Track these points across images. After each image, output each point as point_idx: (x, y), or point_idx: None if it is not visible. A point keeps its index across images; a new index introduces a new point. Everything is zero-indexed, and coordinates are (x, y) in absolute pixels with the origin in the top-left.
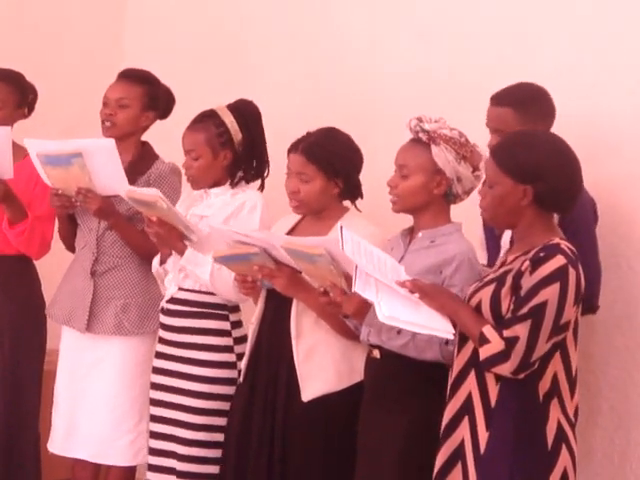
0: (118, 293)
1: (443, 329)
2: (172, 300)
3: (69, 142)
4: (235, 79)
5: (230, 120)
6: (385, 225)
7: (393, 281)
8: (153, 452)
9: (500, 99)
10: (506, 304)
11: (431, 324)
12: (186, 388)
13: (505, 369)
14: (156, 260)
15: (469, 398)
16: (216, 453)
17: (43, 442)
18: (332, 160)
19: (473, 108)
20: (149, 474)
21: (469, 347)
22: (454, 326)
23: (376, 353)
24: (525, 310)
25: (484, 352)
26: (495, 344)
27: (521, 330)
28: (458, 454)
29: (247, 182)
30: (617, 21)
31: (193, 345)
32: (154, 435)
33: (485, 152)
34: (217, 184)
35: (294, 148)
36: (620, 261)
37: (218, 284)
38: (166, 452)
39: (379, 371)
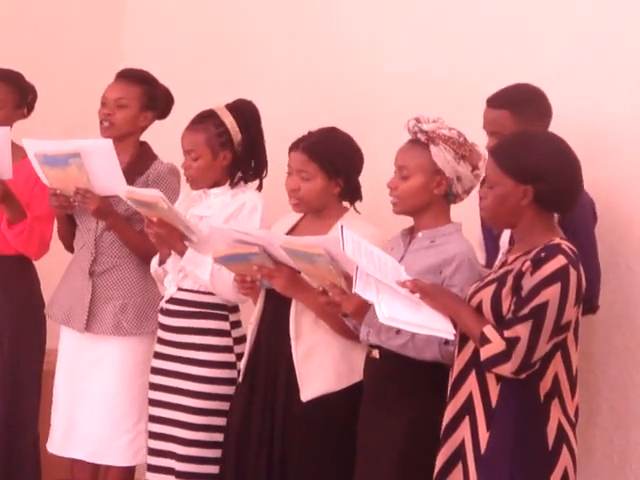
0: (117, 293)
1: (444, 329)
2: (171, 300)
3: (67, 142)
4: (235, 79)
5: (230, 120)
6: (385, 226)
7: (394, 281)
8: (152, 452)
9: (496, 101)
10: (507, 304)
11: (432, 324)
12: (185, 388)
13: (506, 369)
14: (155, 260)
15: (470, 398)
16: (215, 453)
17: (42, 442)
18: (333, 159)
19: (473, 108)
20: (148, 474)
21: (470, 347)
22: (455, 326)
23: (375, 353)
24: (526, 310)
25: (485, 352)
26: (496, 344)
27: (522, 330)
28: (459, 454)
29: (246, 182)
30: (617, 21)
31: (193, 345)
32: (153, 435)
33: (484, 152)
34: (216, 184)
35: (295, 146)
36: (619, 261)
37: (218, 285)
38: (165, 452)
39: (378, 371)
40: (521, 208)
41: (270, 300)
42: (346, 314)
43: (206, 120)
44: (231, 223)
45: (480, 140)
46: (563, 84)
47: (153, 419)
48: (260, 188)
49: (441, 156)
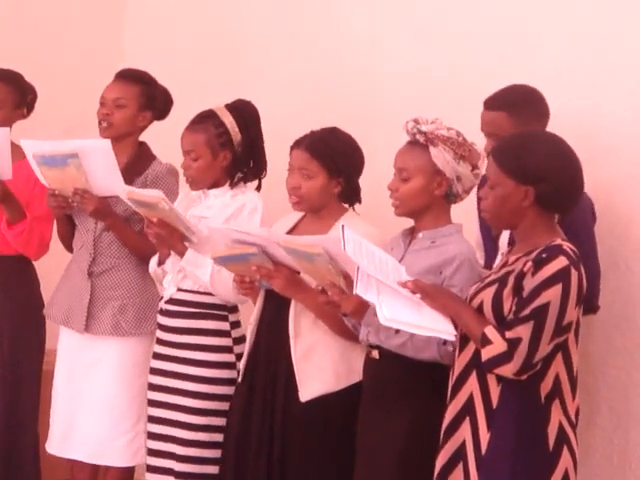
0: (115, 294)
1: (445, 330)
2: (171, 301)
3: (65, 143)
4: (235, 79)
5: (230, 121)
6: (384, 226)
7: (394, 282)
8: (151, 453)
9: (494, 103)
10: (508, 305)
11: (433, 325)
12: (185, 389)
13: (508, 370)
14: (153, 261)
15: (470, 399)
16: (215, 453)
17: (42, 442)
18: (335, 158)
19: (473, 108)
20: (147, 475)
21: (470, 348)
22: (455, 327)
23: (375, 354)
24: (527, 311)
25: (486, 353)
26: (497, 345)
27: (523, 331)
28: (459, 455)
29: (245, 183)
30: (617, 21)
31: (192, 346)
32: (152, 436)
33: (482, 152)
34: (216, 185)
35: (298, 144)
36: (618, 261)
37: (218, 285)
38: (164, 453)
39: (378, 371)
40: (522, 209)
41: (270, 300)
42: (345, 313)
43: (206, 120)
44: (231, 224)
45: (480, 140)
46: (563, 84)
47: (152, 419)
48: (259, 188)
49: (441, 157)
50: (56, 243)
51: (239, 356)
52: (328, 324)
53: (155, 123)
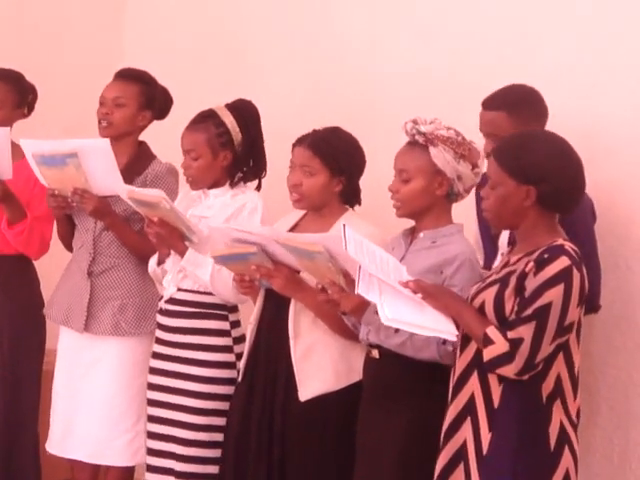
0: (115, 293)
1: (446, 330)
2: (171, 301)
3: (64, 142)
4: (235, 79)
5: (230, 120)
6: (384, 226)
7: (396, 282)
8: (151, 453)
9: (492, 103)
10: (510, 305)
11: (434, 325)
12: (185, 388)
13: (509, 370)
14: (153, 260)
15: (472, 399)
16: (215, 453)
17: (42, 442)
18: (337, 156)
19: (473, 108)
20: (148, 475)
21: (472, 348)
22: (457, 327)
23: (375, 353)
24: (529, 311)
25: (488, 353)
26: (499, 345)
27: (525, 331)
28: (460, 455)
29: (245, 182)
30: (617, 21)
31: (192, 345)
32: (152, 436)
33: (482, 151)
34: (216, 184)
35: (300, 142)
36: (618, 261)
37: (218, 285)
38: (165, 453)
39: (378, 371)
40: (524, 209)
41: (270, 299)
42: (345, 312)
43: (206, 120)
44: (231, 223)
45: (480, 140)
46: (563, 84)
47: (152, 419)
48: (259, 188)
49: (441, 157)
50: (56, 243)
51: (239, 356)
52: (328, 323)
53: (155, 123)
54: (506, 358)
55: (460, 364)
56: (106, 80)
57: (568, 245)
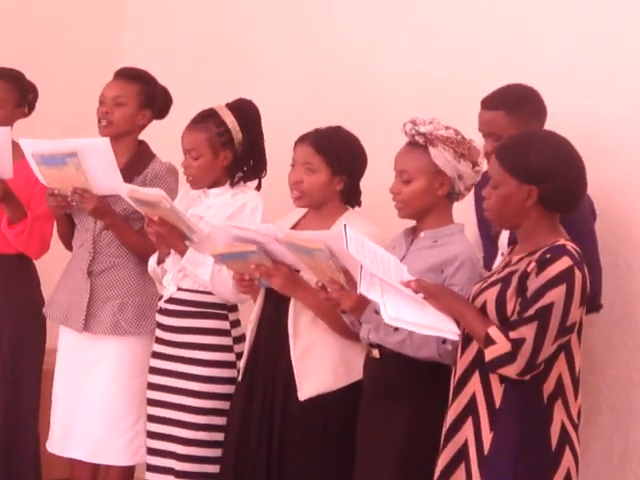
0: (115, 293)
1: (448, 330)
2: (171, 300)
3: (64, 142)
4: (235, 79)
5: (231, 120)
6: (385, 225)
7: (397, 281)
8: (151, 452)
9: (492, 102)
10: (511, 305)
11: (436, 325)
12: (186, 388)
13: (511, 370)
14: (152, 259)
15: (473, 399)
16: (215, 452)
17: (42, 442)
18: (339, 155)
19: (473, 108)
20: (148, 474)
21: (473, 348)
22: (459, 327)
23: (375, 353)
24: (531, 312)
25: (490, 353)
26: (501, 345)
27: (527, 332)
28: (461, 455)
29: (245, 182)
30: (617, 21)
31: (192, 345)
32: (152, 435)
33: (481, 149)
34: (216, 184)
35: (302, 139)
36: (619, 261)
37: (218, 285)
38: (165, 452)
39: (378, 371)
40: (525, 209)
41: (270, 298)
42: (344, 310)
43: (207, 119)
44: (231, 222)
45: (480, 140)
46: (563, 84)
47: (152, 419)
48: (259, 188)
49: (441, 157)
50: (56, 243)
51: (239, 355)
52: (327, 323)
53: (155, 122)
54: (508, 358)
55: (461, 364)
56: (106, 80)
57: (570, 245)
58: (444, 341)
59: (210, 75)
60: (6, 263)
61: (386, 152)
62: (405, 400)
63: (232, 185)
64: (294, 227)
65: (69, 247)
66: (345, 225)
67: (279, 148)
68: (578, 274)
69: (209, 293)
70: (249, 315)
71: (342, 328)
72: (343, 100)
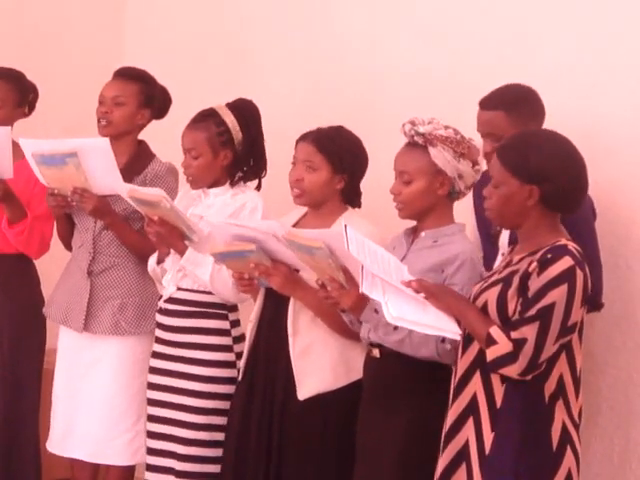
0: (115, 293)
1: (450, 329)
2: (170, 300)
3: (64, 142)
4: (235, 79)
5: (231, 119)
6: (385, 225)
7: (398, 281)
8: (152, 452)
9: (490, 103)
10: (513, 305)
11: (438, 324)
12: (186, 388)
13: (513, 370)
14: (152, 259)
15: (474, 399)
16: (216, 452)
17: (42, 441)
18: (340, 154)
19: (473, 108)
20: (148, 474)
21: (474, 348)
22: (460, 326)
23: (376, 352)
24: (533, 312)
25: (491, 353)
26: (503, 345)
27: (529, 332)
28: (462, 455)
29: (245, 182)
30: (617, 21)
31: (192, 345)
32: (152, 435)
33: (481, 154)
34: (216, 184)
35: (304, 138)
36: (619, 261)
37: (218, 285)
38: (165, 452)
39: (379, 370)
40: (527, 208)
41: (270, 298)
42: (344, 309)
43: (207, 119)
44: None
45: (480, 140)
46: (563, 84)
47: (152, 419)
48: (259, 188)
49: (441, 157)
50: (56, 243)
51: (239, 355)
52: (327, 322)
53: (155, 122)
54: (509, 358)
55: (462, 364)
56: (106, 80)
57: (571, 245)
58: (443, 340)
59: (210, 75)
60: (6, 263)
61: (386, 152)
62: (405, 400)
63: (232, 185)
64: (294, 226)
65: (69, 247)
66: (345, 225)
67: (279, 148)
68: (579, 274)
69: (209, 293)
70: (249, 315)
71: (342, 327)
72: (343, 100)
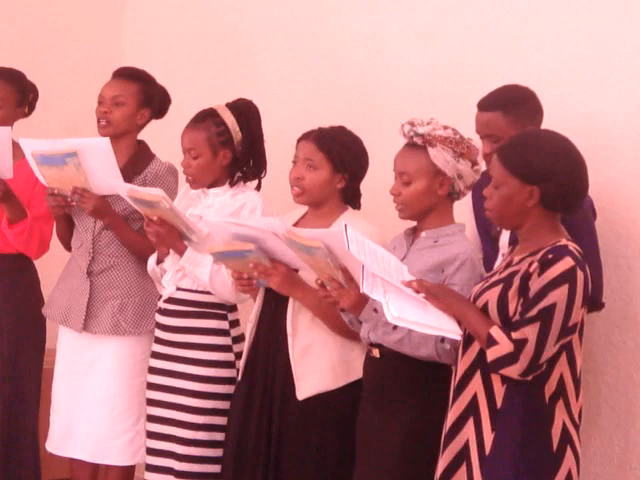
0: (115, 293)
1: (450, 330)
2: (170, 300)
3: (64, 141)
4: (235, 79)
5: (230, 119)
6: (385, 226)
7: (398, 281)
8: (151, 452)
9: (489, 104)
10: (513, 305)
11: (439, 325)
12: (185, 388)
13: (514, 371)
14: (152, 259)
15: (474, 399)
16: (215, 452)
17: (42, 441)
18: (341, 153)
19: (473, 108)
20: (147, 474)
21: (474, 348)
22: (461, 326)
23: (376, 352)
24: (534, 312)
25: (492, 354)
26: (503, 346)
27: (530, 332)
28: (463, 455)
29: (245, 182)
30: (617, 21)
31: (191, 345)
32: (152, 435)
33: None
34: (216, 184)
35: (305, 136)
36: (619, 261)
37: (217, 285)
38: (164, 452)
39: (379, 370)
40: (527, 209)
41: (269, 298)
42: (343, 308)
43: (207, 118)
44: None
45: (479, 141)
46: (563, 84)
47: (152, 419)
48: (259, 188)
49: (440, 157)
50: (56, 243)
51: (238, 355)
52: (326, 322)
53: (155, 122)
54: (510, 359)
55: (462, 364)
56: (106, 80)
57: (572, 245)
58: (442, 340)
59: (210, 75)
60: (6, 263)
61: (386, 152)
62: (405, 400)
63: (231, 185)
64: (294, 226)
65: (68, 248)
66: (346, 225)
67: (279, 148)
68: (580, 274)
69: (208, 293)
70: (249, 315)
71: (341, 327)
72: (343, 100)
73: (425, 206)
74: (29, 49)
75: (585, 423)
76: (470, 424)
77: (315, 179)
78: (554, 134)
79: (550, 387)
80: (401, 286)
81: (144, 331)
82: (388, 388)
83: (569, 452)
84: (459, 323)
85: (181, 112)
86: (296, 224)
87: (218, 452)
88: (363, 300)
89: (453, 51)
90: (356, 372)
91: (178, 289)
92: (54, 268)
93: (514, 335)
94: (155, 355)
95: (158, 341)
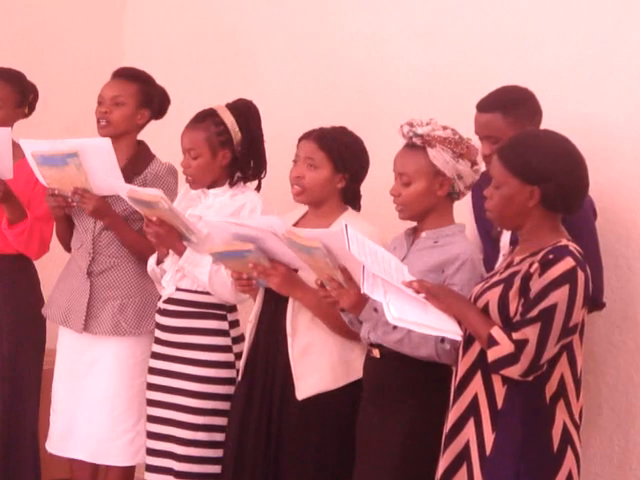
0: (115, 293)
1: (451, 330)
2: (169, 300)
3: (65, 142)
4: (235, 79)
5: (230, 120)
6: (385, 226)
7: (398, 281)
8: (151, 452)
9: (488, 105)
10: (514, 306)
11: (439, 325)
12: (185, 388)
13: (514, 371)
14: (152, 260)
15: (475, 399)
16: (215, 453)
17: (42, 442)
18: (342, 152)
19: (473, 108)
20: (147, 474)
21: (475, 348)
22: (461, 327)
23: (376, 352)
24: (534, 313)
25: (493, 354)
26: (504, 346)
27: (531, 333)
28: (463, 455)
29: (245, 182)
30: (617, 21)
31: (191, 345)
32: (152, 435)
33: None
34: (215, 184)
35: (306, 136)
36: (619, 261)
37: (216, 285)
38: (164, 452)
39: (379, 370)
40: (528, 209)
41: (269, 298)
42: (343, 308)
43: (206, 119)
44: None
45: (478, 142)
46: (563, 84)
47: (151, 419)
48: (259, 188)
49: (440, 158)
50: (56, 243)
51: (238, 355)
52: (326, 322)
53: (155, 123)
54: (511, 359)
55: (463, 365)
56: (106, 80)
57: (572, 246)
58: (442, 340)
59: (210, 75)
60: (6, 263)
61: (386, 153)
62: (405, 400)
63: (231, 185)
64: (294, 226)
65: (67, 248)
66: (346, 225)
67: (279, 148)
68: (581, 275)
69: (208, 293)
70: (248, 315)
71: (341, 327)
72: (343, 100)
73: (425, 206)
74: (29, 49)
75: (585, 423)
76: (471, 424)
77: (315, 178)
78: (554, 134)
79: (551, 387)
80: (401, 286)
81: (144, 331)
82: (388, 388)
83: (570, 452)
84: (459, 323)
85: (181, 112)
86: (296, 224)
87: (218, 452)
88: (363, 300)
89: (453, 51)
90: (356, 372)
91: (178, 289)
92: (54, 268)
93: (515, 336)
94: (155, 355)
95: (158, 341)
